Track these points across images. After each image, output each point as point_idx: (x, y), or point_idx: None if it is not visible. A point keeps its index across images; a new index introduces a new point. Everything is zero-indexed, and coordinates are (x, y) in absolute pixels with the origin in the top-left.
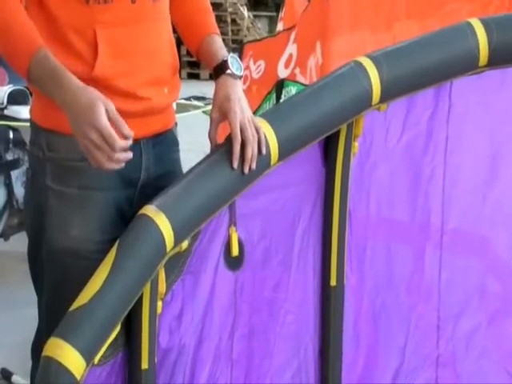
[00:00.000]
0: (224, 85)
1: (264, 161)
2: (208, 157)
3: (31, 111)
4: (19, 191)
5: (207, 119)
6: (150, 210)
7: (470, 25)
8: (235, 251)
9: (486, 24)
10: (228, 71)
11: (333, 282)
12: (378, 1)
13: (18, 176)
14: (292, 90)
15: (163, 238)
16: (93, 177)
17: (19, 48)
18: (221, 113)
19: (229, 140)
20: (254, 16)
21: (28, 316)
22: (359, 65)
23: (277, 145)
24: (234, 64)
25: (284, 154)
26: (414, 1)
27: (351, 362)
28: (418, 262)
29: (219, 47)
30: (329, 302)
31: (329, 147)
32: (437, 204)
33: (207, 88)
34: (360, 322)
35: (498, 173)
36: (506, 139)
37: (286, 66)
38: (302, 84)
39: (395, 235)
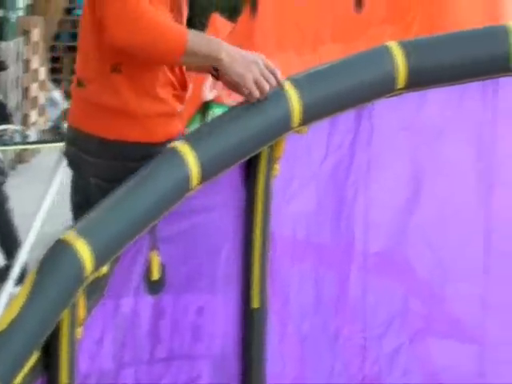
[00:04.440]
0: None
1: (184, 184)
2: (128, 181)
3: (71, 116)
4: None
5: None
6: (69, 234)
7: (388, 48)
8: (156, 275)
9: (404, 47)
10: None
11: (255, 305)
12: (304, 23)
13: None
14: (217, 111)
15: (82, 264)
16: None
17: (173, 36)
18: None
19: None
20: None
21: None
22: (281, 89)
23: (198, 168)
24: None
25: (206, 176)
26: (339, 24)
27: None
28: (343, 285)
29: None
30: (251, 324)
31: (250, 169)
32: (360, 227)
33: None
34: (285, 344)
35: (419, 195)
36: (427, 161)
37: (212, 87)
38: (227, 106)
39: (321, 259)
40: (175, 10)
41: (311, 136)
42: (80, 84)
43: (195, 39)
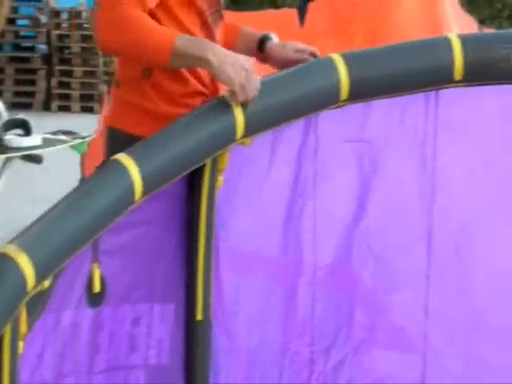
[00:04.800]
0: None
1: (128, 197)
2: (69, 194)
3: (108, 115)
4: None
5: (74, 154)
6: (10, 248)
7: (331, 60)
8: (97, 288)
9: (347, 59)
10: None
11: (199, 317)
12: None
13: None
14: None
15: (24, 278)
16: None
17: (160, 36)
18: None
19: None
20: None
21: None
22: (224, 101)
23: (141, 180)
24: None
25: (149, 189)
26: (283, 37)
27: None
28: (291, 299)
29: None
30: (194, 336)
31: (194, 181)
32: (308, 240)
33: (78, 120)
34: (233, 357)
35: (365, 206)
36: (372, 172)
37: None
38: None
39: (270, 272)
40: (205, 29)
41: (256, 148)
42: (116, 84)
43: (183, 41)
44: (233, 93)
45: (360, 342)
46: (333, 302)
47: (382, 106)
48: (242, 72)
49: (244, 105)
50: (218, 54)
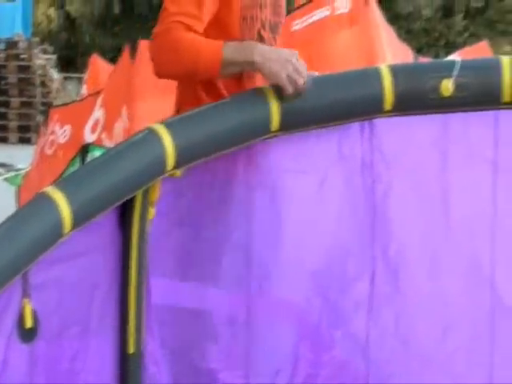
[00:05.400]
0: None
1: (57, 230)
2: None
3: None
4: None
5: (8, 186)
6: None
7: (262, 90)
8: (28, 323)
9: (278, 90)
10: None
11: (131, 350)
12: None
13: None
14: (96, 154)
15: None
16: None
17: (208, 49)
18: None
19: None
20: (64, 78)
21: None
22: (153, 132)
23: (70, 214)
24: None
25: (79, 222)
26: None
27: None
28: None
29: None
30: (126, 369)
31: (125, 213)
32: (242, 268)
33: (16, 151)
34: None
35: (304, 237)
36: (311, 203)
37: (93, 130)
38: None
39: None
40: (250, 34)
41: (185, 178)
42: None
43: (229, 49)
44: (283, 87)
45: (306, 377)
46: (276, 337)
47: (316, 137)
48: (288, 65)
49: (298, 95)
50: (262, 53)
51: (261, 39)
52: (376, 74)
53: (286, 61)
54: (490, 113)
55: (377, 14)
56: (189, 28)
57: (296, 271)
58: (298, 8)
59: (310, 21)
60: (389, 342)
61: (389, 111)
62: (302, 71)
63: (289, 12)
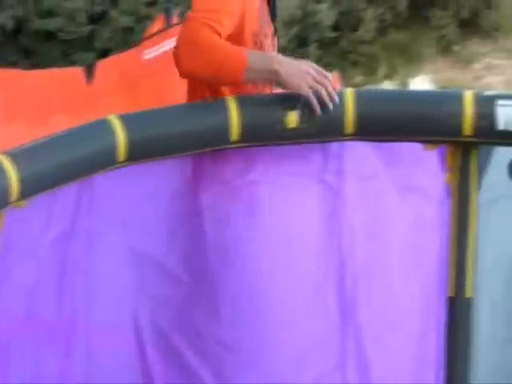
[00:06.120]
0: None
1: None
2: None
3: None
4: None
5: None
6: None
7: (107, 121)
8: None
9: (125, 120)
10: None
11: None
12: (34, 95)
13: None
14: None
15: None
16: None
17: (233, 53)
18: None
19: None
20: None
21: None
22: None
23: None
24: None
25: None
26: (69, 96)
27: None
28: (65, 362)
29: None
30: None
31: None
32: (82, 300)
33: None
34: None
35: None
36: (146, 236)
37: None
38: None
39: (43, 334)
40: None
41: (30, 209)
42: None
43: (252, 57)
44: (308, 99)
45: None
46: None
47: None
48: (308, 77)
49: (325, 107)
50: (284, 65)
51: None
52: (222, 105)
53: (306, 74)
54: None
55: None
56: (216, 32)
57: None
58: (150, 37)
59: (162, 50)
60: None
61: (236, 141)
62: (323, 82)
63: (140, 41)
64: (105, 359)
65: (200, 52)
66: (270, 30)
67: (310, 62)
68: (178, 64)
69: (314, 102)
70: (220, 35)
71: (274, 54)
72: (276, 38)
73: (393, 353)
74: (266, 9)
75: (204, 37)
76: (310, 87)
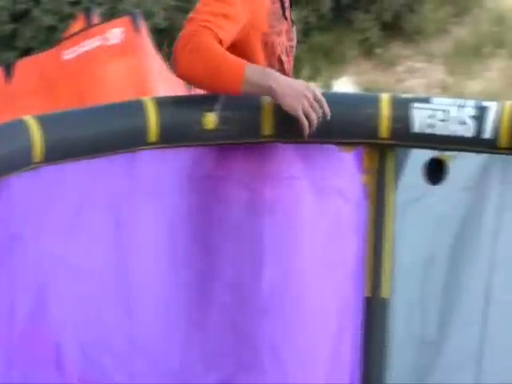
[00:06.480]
0: None
1: None
2: None
3: None
4: None
5: None
6: None
7: (23, 121)
8: None
9: (42, 120)
10: None
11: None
12: None
13: None
14: None
15: None
16: None
17: (231, 63)
18: None
19: None
20: None
21: None
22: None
23: None
24: None
25: None
26: None
27: None
28: None
29: None
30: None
31: None
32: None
33: None
34: None
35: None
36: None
37: None
38: None
39: None
40: (273, 59)
41: None
42: None
43: (250, 70)
44: (299, 121)
45: None
46: None
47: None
48: (303, 100)
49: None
50: (281, 84)
51: (281, 63)
52: (140, 106)
53: (302, 96)
54: None
55: (148, 44)
56: (217, 37)
57: None
58: (70, 37)
59: (82, 50)
60: None
61: (154, 143)
62: (316, 107)
63: (61, 41)
64: None
65: (197, 56)
66: (284, 26)
67: (307, 84)
68: (175, 64)
69: (306, 125)
70: (221, 41)
71: (273, 71)
72: (294, 30)
73: (306, 353)
74: (278, 6)
75: (203, 41)
76: (304, 111)
